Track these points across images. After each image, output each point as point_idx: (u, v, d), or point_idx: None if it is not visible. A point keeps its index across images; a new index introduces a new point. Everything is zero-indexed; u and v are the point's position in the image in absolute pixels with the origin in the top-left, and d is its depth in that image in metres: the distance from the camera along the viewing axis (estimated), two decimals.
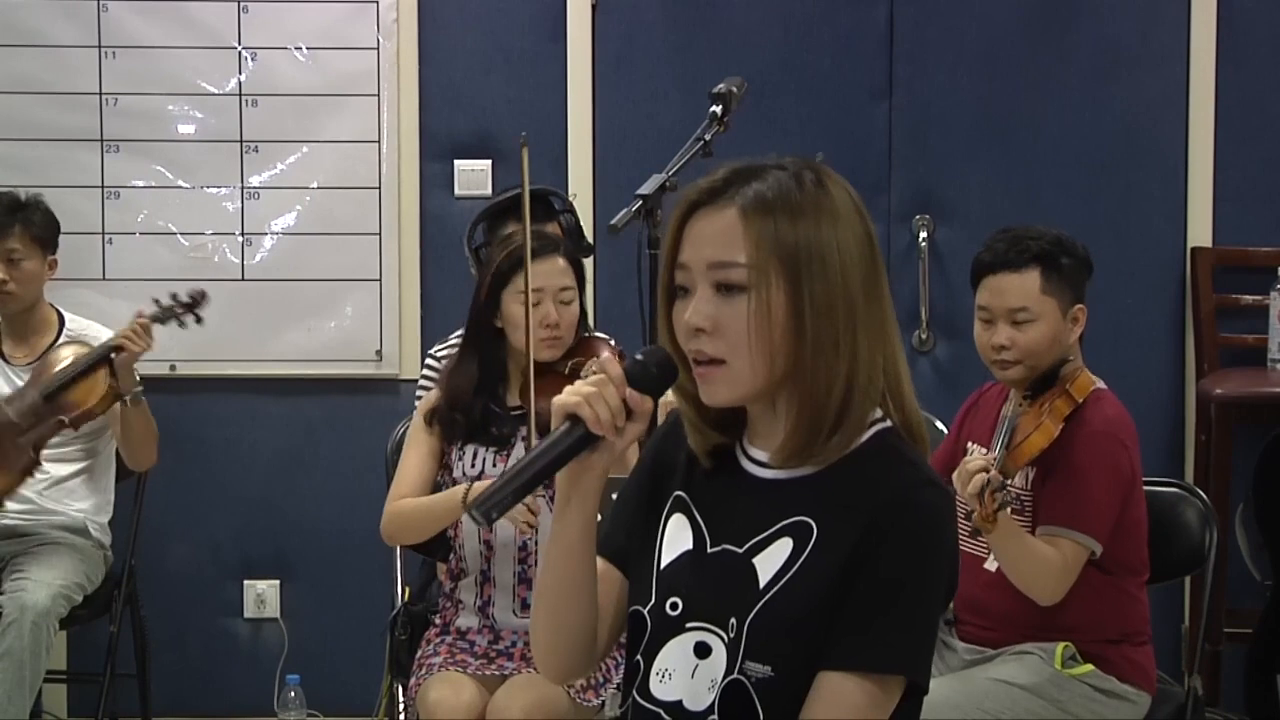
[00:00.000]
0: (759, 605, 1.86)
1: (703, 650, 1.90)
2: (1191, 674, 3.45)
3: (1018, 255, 3.27)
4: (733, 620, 1.87)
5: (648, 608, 1.96)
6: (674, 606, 1.93)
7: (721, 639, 1.88)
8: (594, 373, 1.89)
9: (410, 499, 3.41)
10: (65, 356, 4.15)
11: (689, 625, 1.91)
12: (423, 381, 3.89)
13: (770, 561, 1.88)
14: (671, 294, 1.91)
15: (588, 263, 4.48)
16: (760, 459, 1.94)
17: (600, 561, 2.00)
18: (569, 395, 1.87)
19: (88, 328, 4.33)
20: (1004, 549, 3.15)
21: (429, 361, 3.94)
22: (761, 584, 1.87)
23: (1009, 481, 3.14)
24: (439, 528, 3.43)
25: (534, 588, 2.01)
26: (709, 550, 1.93)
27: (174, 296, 4.08)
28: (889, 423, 1.91)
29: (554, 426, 1.89)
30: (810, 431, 1.86)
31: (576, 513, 1.93)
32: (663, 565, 1.96)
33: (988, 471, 3.06)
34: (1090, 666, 3.22)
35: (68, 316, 4.35)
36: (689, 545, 1.95)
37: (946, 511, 1.87)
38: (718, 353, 1.86)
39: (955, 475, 3.10)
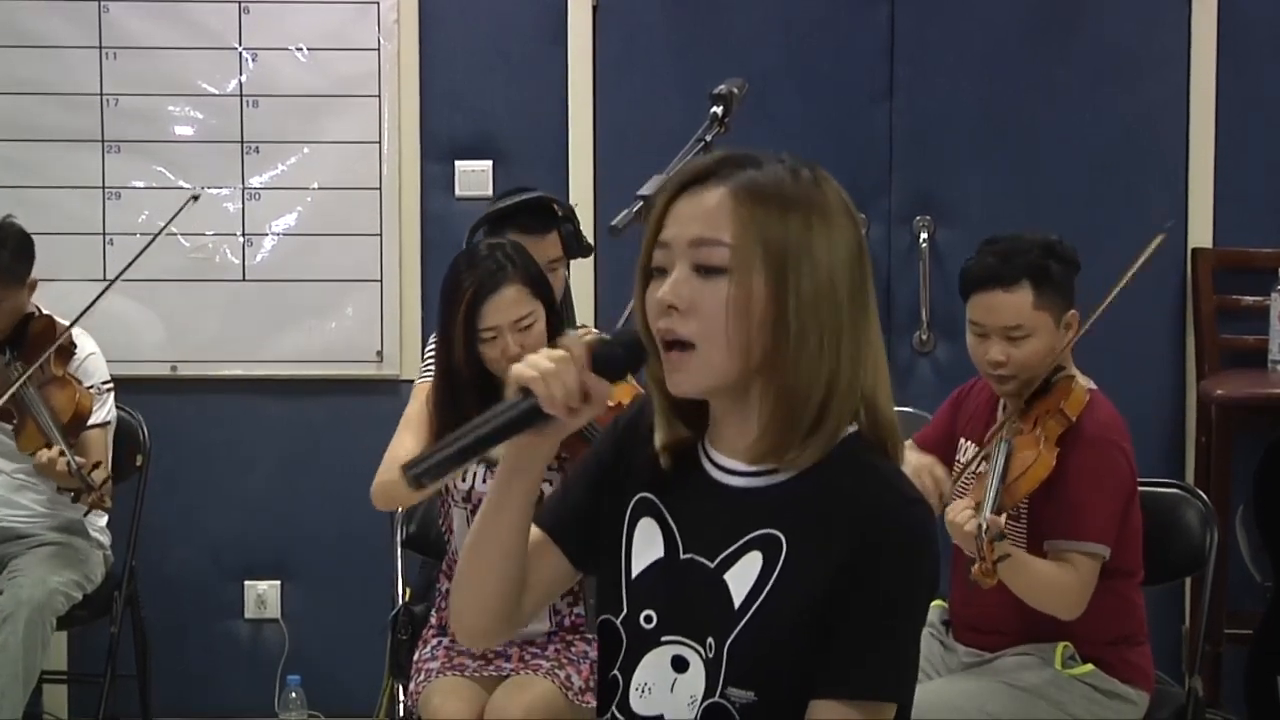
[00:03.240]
0: (738, 629, 1.80)
1: (680, 664, 1.85)
2: (1192, 675, 3.44)
3: (1009, 272, 3.18)
4: (710, 640, 1.82)
5: (620, 619, 1.90)
6: (649, 620, 1.87)
7: (699, 654, 1.83)
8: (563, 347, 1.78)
9: None
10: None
11: (664, 639, 1.86)
12: (429, 363, 3.82)
13: (742, 579, 1.81)
14: (649, 275, 1.82)
15: (588, 265, 4.50)
16: (723, 464, 1.86)
17: (537, 532, 1.93)
18: (527, 368, 1.76)
19: (85, 361, 4.16)
20: (1014, 583, 3.09)
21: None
22: (736, 604, 1.81)
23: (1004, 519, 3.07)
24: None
25: (464, 545, 1.91)
26: (681, 557, 1.87)
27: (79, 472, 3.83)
28: (854, 427, 1.84)
29: (507, 396, 1.77)
30: (786, 429, 1.79)
31: (519, 488, 1.85)
32: (634, 575, 1.89)
33: (977, 515, 2.98)
34: (1090, 667, 3.22)
35: (78, 336, 4.14)
36: (660, 553, 1.88)
37: (932, 529, 1.83)
38: (688, 334, 1.77)
39: (947, 520, 3.03)
